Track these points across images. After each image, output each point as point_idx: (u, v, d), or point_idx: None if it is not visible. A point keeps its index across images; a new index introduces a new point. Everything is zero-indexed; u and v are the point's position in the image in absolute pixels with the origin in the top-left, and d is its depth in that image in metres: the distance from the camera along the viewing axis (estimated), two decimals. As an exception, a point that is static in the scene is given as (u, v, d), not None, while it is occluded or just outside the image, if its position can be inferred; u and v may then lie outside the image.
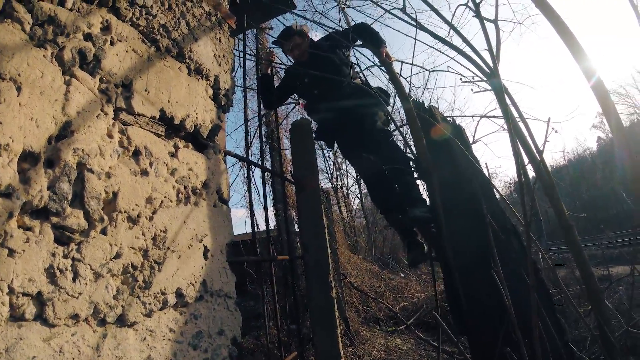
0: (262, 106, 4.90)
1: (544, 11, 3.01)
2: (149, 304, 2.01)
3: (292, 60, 5.31)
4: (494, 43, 3.61)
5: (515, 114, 3.33)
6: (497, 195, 3.91)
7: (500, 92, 3.22)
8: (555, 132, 4.37)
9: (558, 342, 3.07)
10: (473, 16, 3.48)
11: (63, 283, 1.60)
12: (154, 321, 2.03)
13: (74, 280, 1.65)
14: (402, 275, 12.50)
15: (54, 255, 1.61)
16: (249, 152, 3.91)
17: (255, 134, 11.40)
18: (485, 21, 4.00)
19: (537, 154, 3.08)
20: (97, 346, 1.71)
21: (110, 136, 2.00)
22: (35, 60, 1.70)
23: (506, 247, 3.43)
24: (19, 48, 1.65)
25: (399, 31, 4.21)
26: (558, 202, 3.12)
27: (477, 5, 3.44)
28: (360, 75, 5.04)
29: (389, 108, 4.89)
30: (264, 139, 9.61)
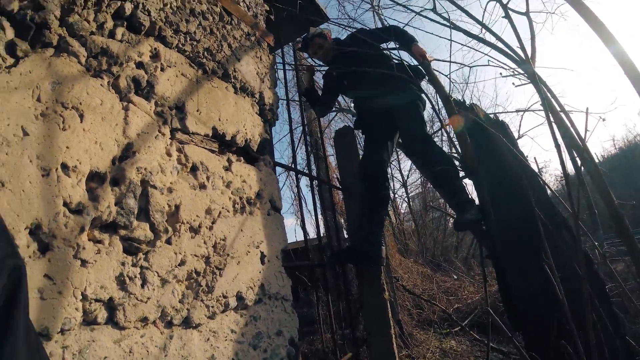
0: (305, 116, 4.97)
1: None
2: (212, 306, 2.15)
3: (321, 62, 5.24)
4: (527, 35, 3.66)
5: (556, 105, 3.36)
6: (547, 189, 3.92)
7: (535, 81, 3.26)
8: (603, 120, 4.36)
9: (613, 335, 3.06)
10: (502, 17, 3.53)
11: (132, 289, 1.75)
12: (217, 323, 2.17)
13: (142, 286, 1.80)
14: (455, 277, 12.34)
15: (123, 264, 1.75)
16: (295, 161, 4.04)
17: (299, 143, 11.52)
18: (518, 14, 4.07)
19: (579, 142, 3.11)
20: (164, 347, 1.85)
21: (169, 154, 2.16)
22: (93, 89, 1.87)
23: (557, 240, 3.44)
24: (77, 79, 1.81)
25: (431, 33, 4.24)
26: (606, 191, 3.13)
27: (504, 6, 3.50)
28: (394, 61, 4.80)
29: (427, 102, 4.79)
30: (309, 148, 9.69)
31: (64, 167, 1.63)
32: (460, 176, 4.13)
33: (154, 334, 1.81)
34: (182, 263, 2.04)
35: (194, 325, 2.03)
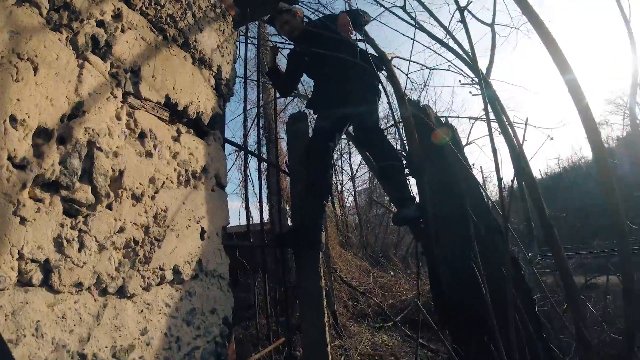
0: (261, 98, 4.95)
1: (529, 17, 3.09)
2: (148, 278, 2.11)
3: (287, 38, 5.21)
4: (488, 45, 3.71)
5: (502, 116, 3.42)
6: (485, 196, 4.02)
7: (482, 87, 3.32)
8: (551, 138, 4.49)
9: (535, 335, 3.18)
10: (458, 21, 3.59)
11: (69, 252, 1.70)
12: (152, 295, 2.13)
13: (79, 250, 1.75)
14: (392, 273, 12.57)
15: (62, 225, 1.70)
16: (246, 142, 4.01)
17: (252, 124, 11.46)
18: (483, 24, 4.12)
19: (517, 147, 3.19)
20: (98, 315, 1.81)
21: (118, 118, 2.11)
22: (51, 43, 1.80)
23: (489, 244, 3.55)
24: (36, 31, 1.74)
25: (396, 30, 4.26)
26: (538, 200, 3.22)
27: (461, 10, 3.54)
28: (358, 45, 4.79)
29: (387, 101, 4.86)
30: (261, 131, 9.63)
31: (12, 119, 1.57)
32: (405, 173, 4.21)
33: (87, 301, 1.77)
34: (121, 230, 2.00)
35: (129, 295, 1.99)
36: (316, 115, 4.92)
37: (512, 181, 2.94)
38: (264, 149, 10.70)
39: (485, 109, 3.23)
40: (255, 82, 5.28)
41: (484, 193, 4.03)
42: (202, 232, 2.64)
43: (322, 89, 5.06)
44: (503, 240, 3.25)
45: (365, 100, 4.61)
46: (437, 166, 3.94)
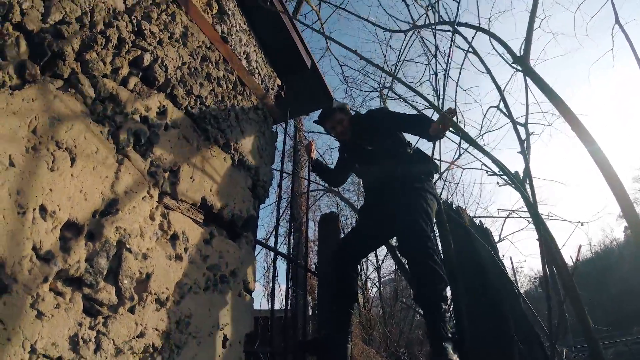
0: (293, 191, 4.91)
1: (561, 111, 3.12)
2: (164, 387, 2.01)
3: (336, 138, 4.73)
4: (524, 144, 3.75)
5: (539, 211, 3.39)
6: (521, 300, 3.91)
7: (523, 189, 3.33)
8: (582, 224, 4.43)
9: None
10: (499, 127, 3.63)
11: (84, 353, 1.62)
12: (167, 406, 2.02)
13: (95, 352, 1.67)
14: (416, 372, 12.29)
15: (80, 324, 1.63)
16: (277, 239, 3.99)
17: (283, 214, 11.48)
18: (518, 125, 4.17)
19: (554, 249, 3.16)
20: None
21: (152, 219, 2.08)
22: (92, 135, 1.80)
23: (529, 356, 3.43)
24: (78, 120, 1.76)
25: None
26: (583, 314, 3.13)
27: (509, 110, 3.59)
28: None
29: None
30: (287, 224, 9.62)
31: (42, 209, 1.55)
32: (447, 298, 3.61)
33: (96, 407, 1.67)
34: (142, 335, 1.91)
35: (142, 404, 1.88)
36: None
37: (564, 299, 2.86)
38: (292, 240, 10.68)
39: (534, 205, 3.20)
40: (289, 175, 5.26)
41: (521, 299, 3.92)
42: (225, 339, 2.53)
43: (366, 194, 4.57)
44: (546, 355, 3.14)
45: (411, 195, 3.83)
46: (472, 270, 3.82)
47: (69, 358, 1.57)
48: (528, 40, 5.07)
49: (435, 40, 6.78)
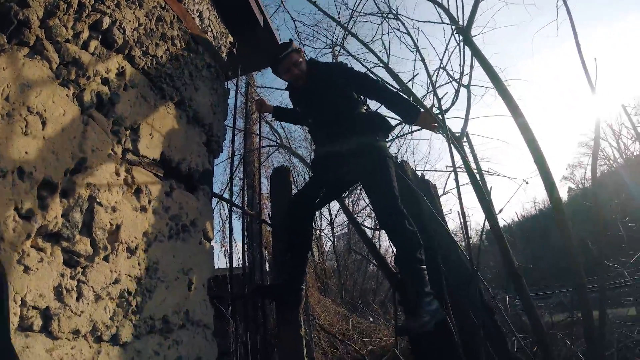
0: (245, 148, 4.93)
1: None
2: (139, 327, 2.18)
3: (290, 82, 4.33)
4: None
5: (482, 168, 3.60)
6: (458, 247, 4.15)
7: (456, 144, 3.51)
8: (526, 183, 4.69)
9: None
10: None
11: (68, 301, 1.78)
12: (142, 343, 2.19)
13: (77, 299, 1.83)
14: (371, 319, 12.49)
15: (62, 275, 1.79)
16: (232, 191, 4.12)
17: (236, 170, 11.53)
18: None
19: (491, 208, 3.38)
20: (92, 360, 1.89)
21: (117, 174, 2.22)
22: (59, 98, 1.92)
23: (464, 294, 3.67)
24: (46, 85, 1.87)
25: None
26: (507, 252, 3.39)
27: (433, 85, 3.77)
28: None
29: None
30: (240, 182, 9.65)
31: (20, 171, 1.66)
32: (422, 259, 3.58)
33: (83, 347, 1.83)
34: (117, 281, 2.08)
35: (121, 343, 2.05)
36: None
37: (481, 235, 3.09)
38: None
39: (454, 165, 3.43)
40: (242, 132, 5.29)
41: (460, 247, 4.15)
42: (190, 283, 2.71)
43: (316, 149, 4.48)
44: (473, 290, 3.38)
45: (371, 167, 3.82)
46: (414, 220, 3.98)
47: (56, 307, 1.72)
48: (473, 13, 5.16)
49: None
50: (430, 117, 3.93)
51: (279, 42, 4.70)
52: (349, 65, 4.22)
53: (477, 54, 4.98)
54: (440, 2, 6.03)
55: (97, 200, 2.04)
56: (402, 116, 4.21)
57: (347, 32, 8.34)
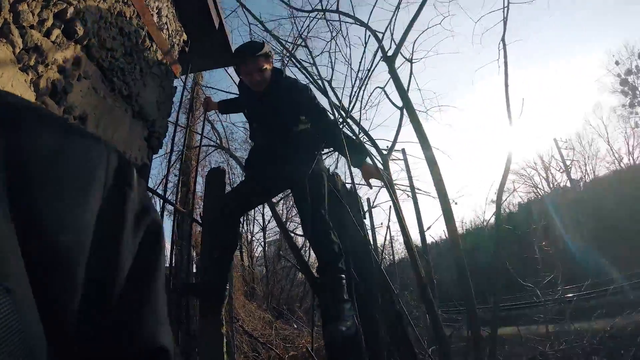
0: (183, 143, 4.93)
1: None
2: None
3: (247, 82, 3.81)
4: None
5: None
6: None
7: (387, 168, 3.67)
8: (455, 203, 4.90)
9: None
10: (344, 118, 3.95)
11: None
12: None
13: None
14: (295, 326, 12.56)
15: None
16: (166, 188, 4.15)
17: (171, 166, 11.45)
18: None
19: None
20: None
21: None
22: (18, 82, 1.96)
23: (375, 302, 3.85)
24: (7, 68, 1.90)
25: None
26: (417, 265, 3.57)
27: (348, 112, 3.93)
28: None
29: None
30: (175, 179, 9.61)
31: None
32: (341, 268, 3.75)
33: None
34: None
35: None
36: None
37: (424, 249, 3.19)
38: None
39: (387, 186, 3.61)
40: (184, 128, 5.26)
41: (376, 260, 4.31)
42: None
43: (255, 146, 4.45)
44: (384, 300, 3.55)
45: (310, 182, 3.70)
46: (340, 232, 4.06)
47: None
48: (399, 46, 5.52)
49: (340, 24, 7.31)
50: (375, 171, 4.00)
51: (230, 45, 4.75)
52: (313, 94, 4.09)
53: (397, 82, 5.23)
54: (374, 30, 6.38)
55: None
56: (348, 159, 4.03)
57: (293, 50, 8.48)
